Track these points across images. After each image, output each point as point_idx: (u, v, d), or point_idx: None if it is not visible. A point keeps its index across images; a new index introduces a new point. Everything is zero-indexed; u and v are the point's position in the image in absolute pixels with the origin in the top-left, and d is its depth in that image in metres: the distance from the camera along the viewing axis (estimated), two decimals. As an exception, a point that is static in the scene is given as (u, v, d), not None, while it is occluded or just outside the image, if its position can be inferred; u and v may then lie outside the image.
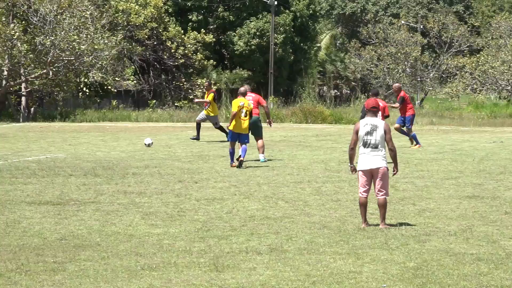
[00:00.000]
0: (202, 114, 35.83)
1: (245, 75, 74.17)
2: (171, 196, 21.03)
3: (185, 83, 68.76)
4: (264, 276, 11.95)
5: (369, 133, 15.39)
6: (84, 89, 57.25)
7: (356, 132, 15.50)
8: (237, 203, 19.63)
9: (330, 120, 51.36)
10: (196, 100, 43.21)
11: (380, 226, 15.32)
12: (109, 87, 60.14)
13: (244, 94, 27.77)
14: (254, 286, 11.44)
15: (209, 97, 35.21)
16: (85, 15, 54.78)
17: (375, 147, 15.43)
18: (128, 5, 64.23)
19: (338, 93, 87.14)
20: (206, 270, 12.47)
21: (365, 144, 15.41)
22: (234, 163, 25.91)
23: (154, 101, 63.86)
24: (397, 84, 33.63)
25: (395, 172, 15.63)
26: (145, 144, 33.50)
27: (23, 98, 56.36)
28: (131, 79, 66.32)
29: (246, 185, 22.93)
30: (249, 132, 27.34)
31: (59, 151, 33.42)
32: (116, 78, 61.76)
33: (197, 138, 33.93)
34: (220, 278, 12.01)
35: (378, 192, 15.32)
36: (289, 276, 12.00)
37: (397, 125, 32.30)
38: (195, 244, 14.65)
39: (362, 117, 22.58)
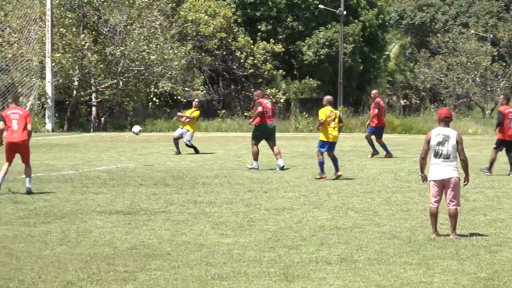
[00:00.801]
0: (179, 130, 35.85)
1: (314, 85, 77.13)
2: (241, 205, 21.10)
3: (253, 92, 66.69)
4: (334, 286, 11.88)
5: (441, 143, 15.36)
6: (154, 99, 57.63)
7: (428, 142, 15.43)
8: (307, 213, 19.59)
9: (399, 130, 51.62)
10: (179, 113, 43.13)
11: (450, 237, 15.23)
12: (179, 97, 60.76)
13: (331, 103, 26.98)
14: None
15: (195, 114, 35.10)
16: (155, 25, 56.13)
17: (447, 157, 15.38)
18: (197, 15, 64.97)
19: (408, 103, 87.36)
20: (276, 280, 12.44)
21: (437, 154, 15.41)
22: (323, 175, 25.26)
23: (224, 111, 63.26)
24: (375, 91, 34.18)
25: (466, 183, 15.54)
26: (133, 132, 33.86)
27: (94, 108, 58.00)
28: (201, 89, 67.27)
29: (315, 195, 22.92)
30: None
31: (129, 161, 33.87)
32: (186, 88, 62.39)
33: (178, 152, 33.78)
34: None
35: (450, 202, 15.27)
36: (359, 286, 11.93)
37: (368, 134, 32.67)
38: (265, 254, 14.68)
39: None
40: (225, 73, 70.91)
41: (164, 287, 12.26)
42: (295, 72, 79.10)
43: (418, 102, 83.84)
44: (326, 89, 74.12)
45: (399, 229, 17.17)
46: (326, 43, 74.06)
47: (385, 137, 45.95)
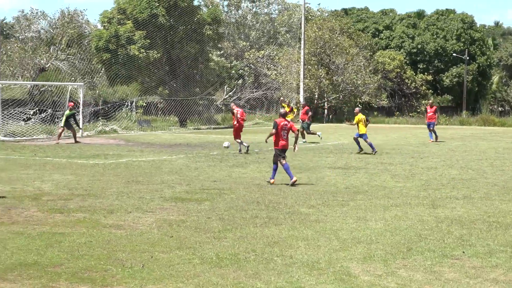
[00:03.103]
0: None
1: (449, 98, 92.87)
2: (407, 165, 25.95)
3: (414, 102, 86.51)
4: (460, 212, 15.47)
5: None
6: (359, 105, 68.88)
7: None
8: (444, 170, 24.26)
9: (498, 125, 64.40)
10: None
11: None
12: (373, 104, 77.25)
13: (359, 111, 31.69)
14: (455, 217, 14.86)
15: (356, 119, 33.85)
16: (360, 64, 73.76)
17: None
18: (384, 59, 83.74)
19: (503, 109, 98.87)
20: (427, 208, 16.10)
21: None
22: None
23: (398, 112, 79.34)
24: (357, 108, 34.31)
25: None
26: (224, 147, 32.88)
27: (326, 110, 75.19)
28: (385, 100, 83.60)
29: (449, 160, 28.06)
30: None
31: (345, 139, 41.42)
32: (377, 99, 78.48)
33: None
34: (435, 212, 15.51)
35: None
36: (474, 212, 15.49)
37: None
38: (420, 193, 18.52)
39: None
40: (398, 91, 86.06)
41: (364, 209, 15.76)
42: (438, 91, 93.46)
43: (508, 109, 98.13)
44: (455, 101, 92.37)
45: (497, 180, 21.42)
46: (457, 75, 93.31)
47: (489, 128, 55.41)
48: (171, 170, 24.52)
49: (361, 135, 31.66)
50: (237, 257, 11.48)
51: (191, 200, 17.55)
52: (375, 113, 77.38)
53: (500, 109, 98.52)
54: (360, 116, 31.49)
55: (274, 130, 21.12)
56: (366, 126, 31.70)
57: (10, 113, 43.41)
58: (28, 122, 43.85)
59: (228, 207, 16.32)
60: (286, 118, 21.73)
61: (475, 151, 33.59)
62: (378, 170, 24.36)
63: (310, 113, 39.49)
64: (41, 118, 45.05)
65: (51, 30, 65.19)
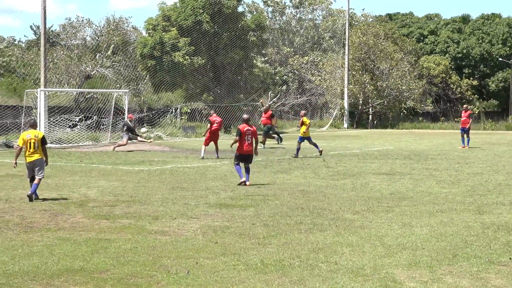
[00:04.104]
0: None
1: (495, 103, 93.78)
2: (452, 171, 25.63)
3: (460, 107, 77.25)
4: (507, 218, 15.35)
5: None
6: (404, 110, 73.94)
7: None
8: (490, 176, 24.12)
9: None
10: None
11: None
12: (418, 109, 76.85)
13: (304, 114, 33.15)
14: (501, 223, 14.73)
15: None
16: (404, 70, 73.87)
17: None
18: (429, 64, 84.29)
19: None
20: (472, 213, 15.95)
21: None
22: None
23: (443, 118, 78.02)
24: (302, 111, 35.00)
25: None
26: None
27: (370, 116, 74.85)
28: (430, 106, 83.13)
29: (495, 166, 27.99)
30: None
31: (390, 145, 41.27)
32: (421, 105, 77.81)
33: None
34: (481, 218, 15.45)
35: None
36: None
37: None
38: (466, 199, 18.39)
39: None
40: (444, 96, 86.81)
41: (409, 215, 15.58)
42: (484, 96, 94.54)
43: None
44: (501, 106, 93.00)
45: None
46: (503, 80, 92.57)
47: None
48: (216, 176, 24.68)
49: (306, 138, 32.71)
50: (282, 263, 11.49)
51: (236, 206, 17.67)
52: (420, 118, 77.59)
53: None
54: (307, 120, 32.98)
55: (237, 137, 21.93)
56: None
57: (57, 120, 43.89)
58: (74, 129, 44.50)
59: (272, 213, 16.37)
60: (251, 124, 22.69)
61: (512, 156, 33.25)
62: (423, 176, 24.32)
63: (275, 117, 40.88)
64: (86, 125, 45.64)
65: (97, 38, 66.07)
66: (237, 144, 22.15)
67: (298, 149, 32.47)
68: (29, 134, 18.53)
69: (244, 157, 22.07)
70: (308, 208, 17.01)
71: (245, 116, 22.89)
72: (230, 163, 29.31)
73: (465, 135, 38.77)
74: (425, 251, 12.40)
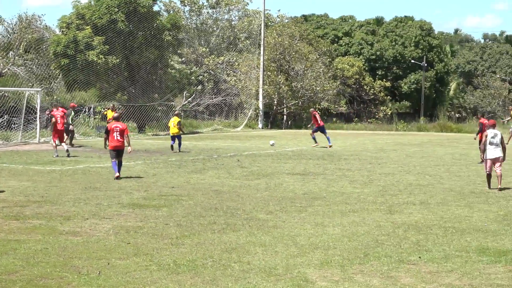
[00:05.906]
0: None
1: (407, 104, 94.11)
2: (365, 171, 25.96)
3: (373, 108, 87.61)
4: (417, 217, 15.64)
5: (493, 137, 19.64)
6: (318, 111, 59.53)
7: (486, 136, 19.53)
8: (402, 176, 24.53)
9: (455, 131, 63.81)
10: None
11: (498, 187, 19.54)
12: (331, 110, 78.30)
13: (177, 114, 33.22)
14: (411, 222, 15.23)
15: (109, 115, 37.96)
16: (319, 70, 73.77)
17: (497, 145, 19.59)
18: (343, 65, 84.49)
19: (460, 115, 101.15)
20: (384, 213, 16.38)
21: (491, 143, 19.32)
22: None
23: (356, 118, 79.41)
24: (311, 109, 38.31)
25: (503, 160, 19.68)
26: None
27: (285, 116, 74.69)
28: (344, 106, 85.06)
29: (407, 166, 28.16)
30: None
31: (303, 146, 41.19)
32: (335, 106, 79.84)
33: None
34: (392, 217, 15.78)
35: (496, 169, 19.63)
36: (430, 218, 15.51)
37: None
38: (378, 198, 18.74)
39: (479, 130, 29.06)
40: (357, 97, 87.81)
41: (321, 216, 15.74)
42: (396, 97, 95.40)
43: (466, 115, 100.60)
44: (413, 107, 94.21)
45: (454, 186, 21.52)
46: (415, 81, 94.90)
47: (446, 134, 55.09)
48: (129, 176, 24.36)
49: (177, 136, 34.72)
50: (195, 264, 11.46)
51: (149, 207, 17.51)
52: (334, 119, 78.21)
53: (457, 115, 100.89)
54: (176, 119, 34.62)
55: (105, 135, 24.11)
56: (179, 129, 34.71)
57: (-34, 119, 42.14)
58: (-17, 128, 42.70)
59: (186, 213, 16.28)
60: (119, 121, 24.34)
61: (432, 157, 33.76)
62: (336, 176, 24.48)
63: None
64: (-3, 124, 44.15)
65: (8, 35, 64.91)
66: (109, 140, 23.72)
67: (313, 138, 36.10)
68: None
69: (115, 152, 23.51)
70: (222, 208, 17.01)
71: (115, 114, 24.67)
72: (144, 163, 29.19)
73: None
74: (337, 251, 12.47)
